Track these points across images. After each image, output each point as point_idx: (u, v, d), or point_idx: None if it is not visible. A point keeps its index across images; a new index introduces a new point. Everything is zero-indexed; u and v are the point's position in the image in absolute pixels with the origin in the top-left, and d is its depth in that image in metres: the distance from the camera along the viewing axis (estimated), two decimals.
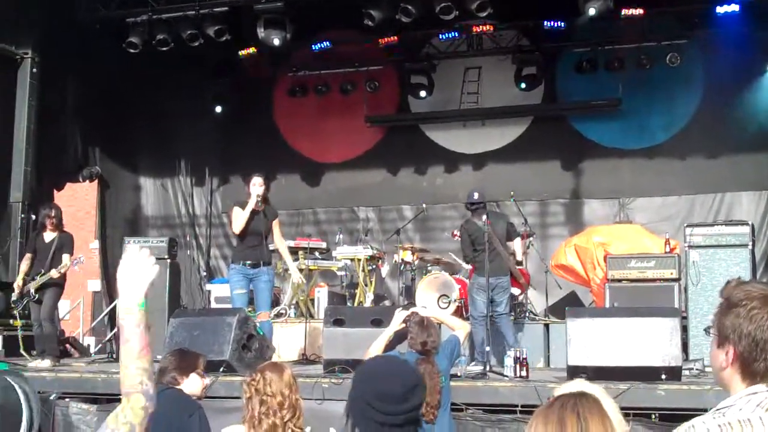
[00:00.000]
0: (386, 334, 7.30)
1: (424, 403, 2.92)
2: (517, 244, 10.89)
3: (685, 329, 9.19)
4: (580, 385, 2.77)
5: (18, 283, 10.53)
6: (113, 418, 2.57)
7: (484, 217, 10.06)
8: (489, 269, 9.72)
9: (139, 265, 2.68)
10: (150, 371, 2.66)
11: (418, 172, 15.78)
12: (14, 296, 10.46)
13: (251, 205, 9.44)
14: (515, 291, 11.13)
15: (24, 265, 10.67)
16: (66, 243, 10.57)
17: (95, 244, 15.35)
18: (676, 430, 2.49)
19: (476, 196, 10.48)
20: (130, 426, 2.54)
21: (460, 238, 10.70)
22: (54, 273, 10.15)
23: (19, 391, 2.55)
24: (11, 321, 10.72)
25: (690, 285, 9.94)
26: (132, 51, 13.26)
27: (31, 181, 12.83)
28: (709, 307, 9.64)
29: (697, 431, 2.40)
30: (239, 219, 9.53)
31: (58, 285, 10.52)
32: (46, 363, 9.91)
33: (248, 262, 9.51)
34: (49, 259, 10.40)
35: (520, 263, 11.15)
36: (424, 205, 14.13)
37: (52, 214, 10.64)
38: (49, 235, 10.60)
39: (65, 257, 10.40)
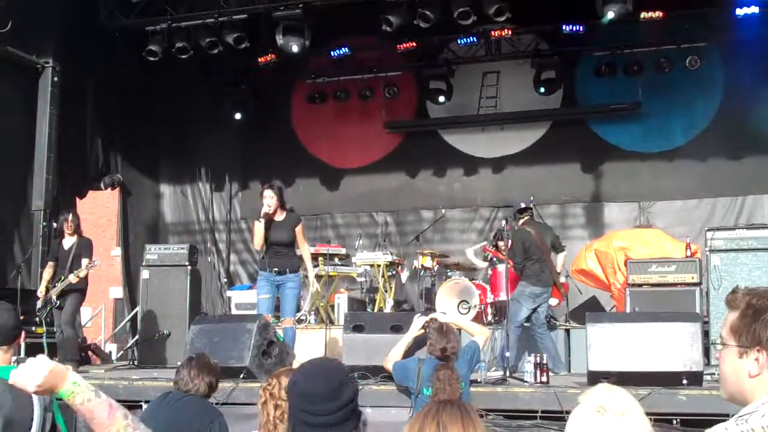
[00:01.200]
0: (405, 339, 7.31)
1: (357, 398, 2.87)
2: (560, 257, 10.77)
3: (706, 334, 9.12)
4: (605, 388, 2.74)
5: (41, 291, 10.59)
6: None
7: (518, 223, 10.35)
8: (541, 279, 9.92)
9: (29, 372, 2.64)
10: (125, 423, 2.66)
11: (436, 176, 15.78)
12: (39, 304, 10.53)
13: (262, 219, 9.52)
14: (553, 302, 11.09)
15: (47, 273, 10.74)
16: (85, 248, 10.63)
17: (117, 251, 15.45)
18: None
19: (523, 204, 10.49)
20: None
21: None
22: (72, 278, 10.20)
23: (36, 405, 2.57)
24: (34, 328, 10.78)
25: (711, 289, 9.87)
26: (152, 59, 13.35)
27: (52, 190, 12.90)
28: None
29: None
30: (256, 234, 9.66)
31: (80, 291, 10.57)
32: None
33: (274, 269, 9.56)
34: (68, 264, 10.47)
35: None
36: (443, 210, 14.16)
37: (69, 219, 10.70)
38: (68, 242, 10.66)
39: (83, 262, 10.46)
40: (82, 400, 2.65)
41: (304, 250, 9.98)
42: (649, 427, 2.54)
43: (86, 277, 10.53)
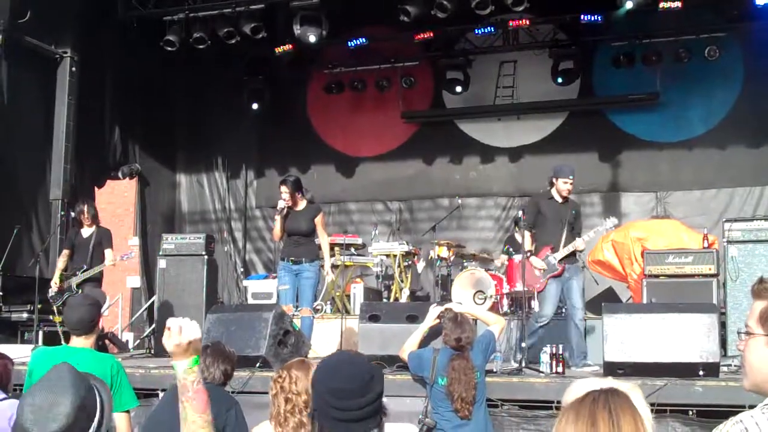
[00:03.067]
0: (421, 329, 7.32)
1: (382, 396, 2.86)
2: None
3: (723, 325, 9.09)
4: (600, 382, 2.74)
5: (55, 280, 10.66)
6: None
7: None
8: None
9: (185, 329, 2.89)
10: (211, 422, 2.91)
11: (452, 165, 15.77)
12: (51, 292, 10.59)
13: (278, 214, 9.72)
14: None
15: (61, 262, 10.82)
16: (105, 238, 10.72)
17: (134, 241, 15.50)
18: (723, 424, 2.47)
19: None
20: None
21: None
22: (107, 263, 10.33)
23: (98, 396, 2.66)
24: (51, 317, 10.86)
25: (729, 281, 9.83)
26: (169, 49, 13.39)
27: (70, 179, 12.98)
28: (748, 303, 9.50)
29: (746, 425, 2.38)
30: (275, 227, 9.87)
31: (97, 280, 10.65)
32: None
33: (291, 258, 9.66)
34: (89, 254, 10.54)
35: None
36: (459, 200, 14.15)
37: (85, 210, 10.77)
38: (86, 231, 10.73)
39: (108, 252, 10.53)
40: (194, 380, 2.88)
41: (324, 240, 10.04)
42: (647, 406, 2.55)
43: (102, 270, 10.62)
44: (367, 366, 2.91)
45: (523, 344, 9.00)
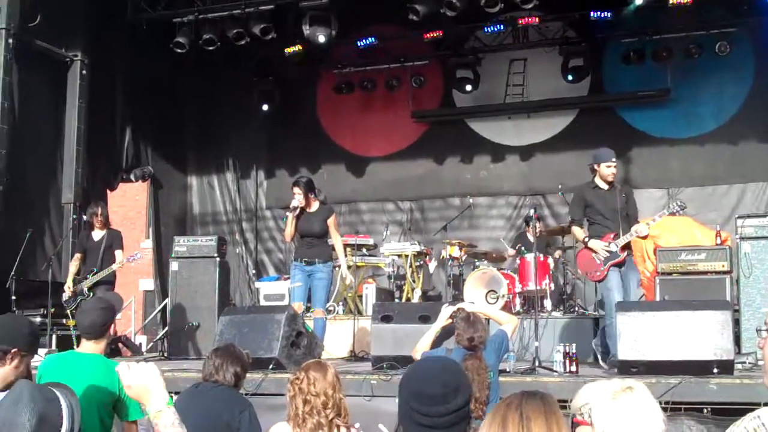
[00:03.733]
0: (433, 330, 7.30)
1: (470, 403, 2.83)
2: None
3: (737, 322, 9.05)
4: (592, 384, 2.76)
5: (68, 284, 10.71)
6: None
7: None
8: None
9: (141, 375, 2.85)
10: None
11: (462, 164, 15.75)
12: (65, 296, 10.64)
13: (289, 215, 9.68)
14: None
15: (73, 266, 10.87)
16: (116, 240, 10.75)
17: (147, 243, 15.53)
18: (741, 420, 2.47)
19: None
20: None
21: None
22: (115, 266, 10.33)
23: (63, 404, 2.62)
24: (64, 321, 10.89)
25: (742, 277, 9.76)
26: (179, 51, 13.41)
27: (82, 182, 13.02)
28: (761, 299, 9.50)
29: (763, 420, 2.37)
30: (286, 227, 9.83)
31: (110, 283, 10.67)
32: None
33: (305, 259, 9.67)
34: (100, 257, 10.57)
35: None
36: (470, 200, 14.13)
37: (98, 213, 10.81)
38: (97, 234, 10.77)
39: (118, 254, 10.57)
40: (166, 424, 2.82)
41: (337, 241, 10.04)
42: (655, 402, 2.56)
43: (115, 271, 10.63)
44: (455, 376, 2.89)
45: (536, 344, 8.98)
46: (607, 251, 8.72)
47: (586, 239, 8.90)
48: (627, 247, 8.82)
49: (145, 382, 2.87)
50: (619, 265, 8.78)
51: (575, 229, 9.19)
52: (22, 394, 2.53)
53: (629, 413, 2.54)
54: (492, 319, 7.62)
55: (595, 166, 8.92)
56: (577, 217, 9.14)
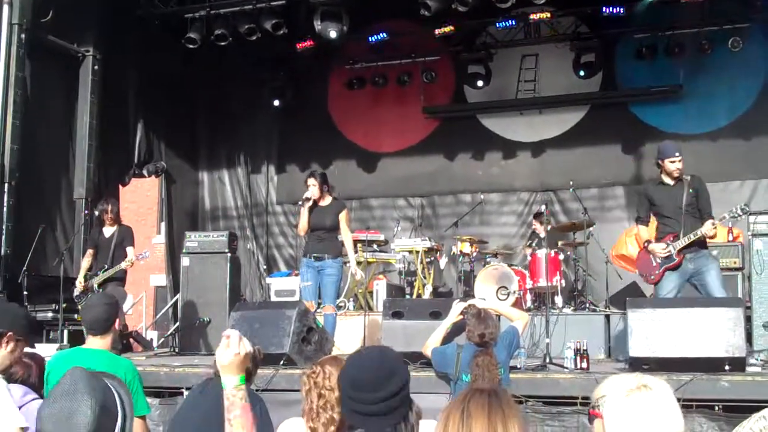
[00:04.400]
0: (444, 326, 7.30)
1: (406, 389, 2.80)
2: None
3: (748, 319, 9.01)
4: (614, 377, 2.75)
5: (80, 280, 10.75)
6: None
7: None
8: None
9: (232, 349, 2.91)
10: None
11: (474, 160, 15.73)
12: (76, 291, 10.68)
13: (303, 206, 9.72)
14: None
15: (85, 262, 10.91)
16: (126, 236, 10.77)
17: (158, 239, 15.58)
18: (747, 420, 2.46)
19: None
20: None
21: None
22: (124, 264, 10.34)
23: (116, 395, 2.62)
24: (76, 316, 10.92)
25: (754, 274, 9.70)
26: (191, 47, 13.42)
27: (94, 178, 13.05)
28: None
29: None
30: (300, 219, 9.87)
31: (120, 280, 10.70)
32: None
33: (314, 255, 9.67)
34: (110, 253, 10.59)
35: None
36: (481, 196, 14.12)
37: (108, 209, 10.84)
38: (108, 230, 10.81)
39: (129, 250, 10.59)
40: (243, 397, 2.88)
41: (347, 237, 10.02)
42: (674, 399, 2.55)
43: (125, 269, 10.66)
44: (389, 361, 2.87)
45: (547, 340, 8.96)
46: (664, 255, 8.50)
47: (646, 244, 8.71)
48: (699, 243, 8.52)
49: (243, 354, 2.92)
50: (677, 267, 8.56)
51: (641, 229, 8.93)
52: (77, 383, 2.50)
53: (640, 412, 2.51)
54: (503, 315, 7.62)
55: (660, 162, 8.66)
56: (643, 215, 8.90)
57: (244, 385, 2.92)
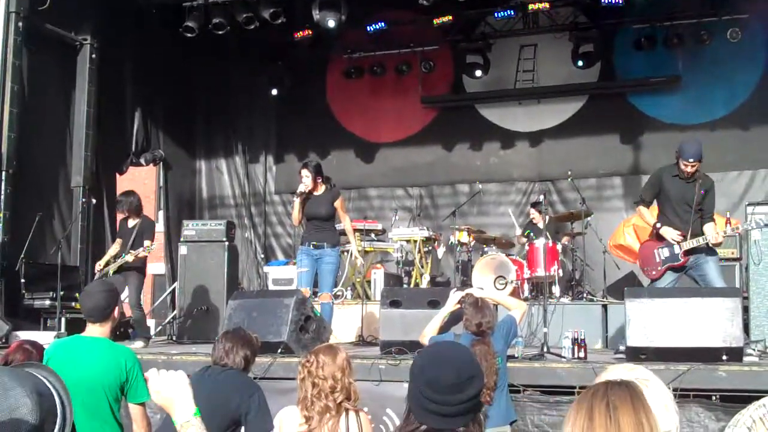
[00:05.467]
0: (441, 315, 7.30)
1: (482, 392, 2.77)
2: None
3: (746, 310, 9.02)
4: (620, 366, 2.74)
5: (100, 263, 10.84)
6: None
7: None
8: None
9: (171, 383, 2.85)
10: None
11: (472, 150, 15.72)
12: (98, 276, 10.75)
13: (297, 197, 9.68)
14: None
15: (113, 249, 11.03)
16: (147, 229, 10.82)
17: (156, 227, 15.56)
18: (746, 408, 2.47)
19: None
20: None
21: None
22: (129, 257, 10.35)
23: (41, 378, 2.51)
24: (73, 303, 10.93)
25: (751, 264, 9.70)
26: (189, 35, 13.37)
27: (91, 166, 13.03)
28: None
29: None
30: (294, 211, 9.85)
31: (138, 270, 10.74)
32: (139, 344, 10.10)
33: (312, 243, 9.66)
34: (130, 244, 10.63)
35: None
36: (479, 186, 14.11)
37: (123, 202, 10.94)
38: (132, 221, 10.85)
39: (145, 243, 10.59)
40: (199, 430, 2.83)
41: (346, 223, 10.05)
42: (670, 394, 2.54)
43: (145, 258, 10.68)
44: (469, 365, 2.82)
45: (545, 329, 8.98)
46: (675, 241, 8.46)
47: (658, 224, 8.66)
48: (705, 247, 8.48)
49: (173, 391, 2.87)
50: (680, 268, 8.59)
51: (642, 210, 8.89)
52: (2, 379, 2.28)
53: None
54: (500, 304, 7.62)
55: (677, 157, 8.54)
56: (647, 199, 8.87)
57: (196, 419, 2.88)
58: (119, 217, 11.44)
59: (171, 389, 2.88)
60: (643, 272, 9.10)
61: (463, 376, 2.71)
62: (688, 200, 8.50)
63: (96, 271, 10.88)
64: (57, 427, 2.22)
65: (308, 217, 9.74)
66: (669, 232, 8.51)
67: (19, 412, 2.14)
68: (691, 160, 8.36)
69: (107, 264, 10.73)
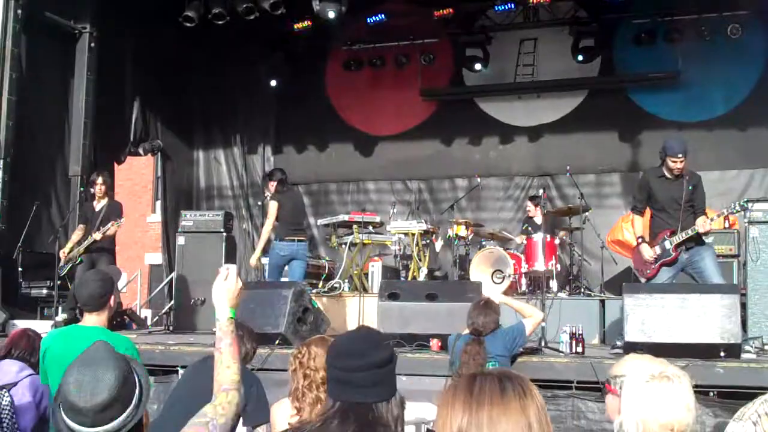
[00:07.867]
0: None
1: (384, 363, 2.67)
2: None
3: (743, 306, 9.02)
4: (647, 358, 2.75)
5: (64, 250, 10.79)
6: (211, 408, 2.87)
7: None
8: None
9: (230, 282, 3.09)
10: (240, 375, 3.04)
11: (471, 144, 15.70)
12: (61, 263, 10.73)
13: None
14: None
15: (75, 235, 10.97)
16: (114, 212, 10.75)
17: (152, 218, 15.56)
18: (752, 402, 2.47)
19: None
20: (226, 419, 2.84)
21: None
22: (96, 235, 10.35)
23: (135, 372, 2.76)
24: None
25: (749, 261, 9.72)
26: (188, 25, 13.32)
27: (89, 155, 13.00)
28: None
29: None
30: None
31: (107, 251, 10.72)
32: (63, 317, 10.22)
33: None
34: (96, 227, 10.60)
35: None
36: (478, 179, 14.09)
37: (97, 181, 10.89)
38: (99, 204, 10.82)
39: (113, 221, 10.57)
40: (233, 329, 3.09)
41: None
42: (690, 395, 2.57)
43: (113, 237, 10.66)
44: (378, 335, 2.89)
45: (543, 324, 8.97)
46: (654, 258, 8.61)
47: (640, 239, 8.77)
48: (696, 238, 8.52)
49: (235, 290, 3.12)
50: (672, 263, 8.61)
51: (636, 220, 9.01)
52: (103, 354, 2.64)
53: (657, 400, 2.55)
54: (515, 310, 7.57)
55: (663, 157, 8.59)
56: (640, 205, 8.94)
57: (234, 318, 3.10)
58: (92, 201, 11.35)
59: (234, 288, 3.12)
60: (638, 273, 9.15)
61: (368, 341, 2.72)
62: (677, 198, 8.56)
63: (61, 257, 10.82)
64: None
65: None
66: (644, 251, 8.69)
67: (100, 385, 2.53)
68: (680, 155, 8.40)
69: (71, 250, 10.71)
